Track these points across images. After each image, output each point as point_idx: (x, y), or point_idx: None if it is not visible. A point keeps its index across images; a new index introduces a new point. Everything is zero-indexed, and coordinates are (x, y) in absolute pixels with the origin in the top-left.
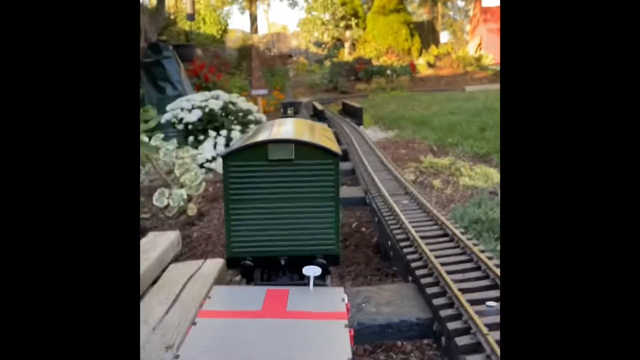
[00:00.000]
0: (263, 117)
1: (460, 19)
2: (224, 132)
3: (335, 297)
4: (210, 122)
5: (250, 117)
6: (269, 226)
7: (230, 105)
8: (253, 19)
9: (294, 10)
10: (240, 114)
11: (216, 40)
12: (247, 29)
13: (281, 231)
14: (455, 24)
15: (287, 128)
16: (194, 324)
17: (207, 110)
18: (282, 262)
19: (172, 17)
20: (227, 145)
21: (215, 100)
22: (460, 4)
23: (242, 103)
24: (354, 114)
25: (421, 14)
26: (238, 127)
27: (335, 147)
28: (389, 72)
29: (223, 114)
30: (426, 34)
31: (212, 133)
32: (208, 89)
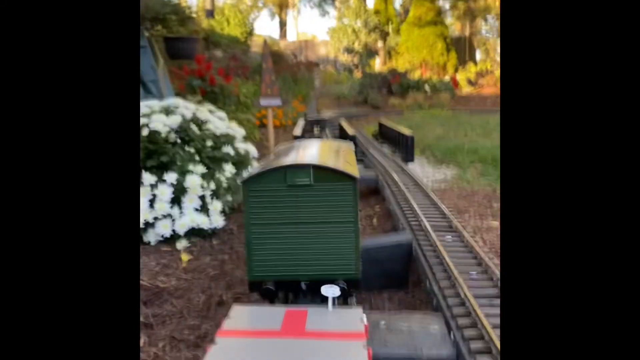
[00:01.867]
0: (251, 149)
1: (493, 37)
2: (171, 176)
3: (354, 317)
4: (152, 155)
5: (228, 148)
6: (290, 250)
7: (194, 127)
8: (282, 25)
9: (325, 19)
10: (210, 143)
11: (240, 43)
12: (276, 35)
13: (301, 255)
14: (488, 42)
15: (309, 151)
16: (214, 343)
17: (146, 133)
18: (303, 287)
19: (189, 12)
20: (175, 201)
21: (165, 116)
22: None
23: (219, 122)
24: (398, 143)
25: (454, 30)
26: (200, 168)
27: (353, 170)
28: (427, 87)
29: (178, 140)
30: (463, 49)
31: (148, 177)
32: (214, 93)
